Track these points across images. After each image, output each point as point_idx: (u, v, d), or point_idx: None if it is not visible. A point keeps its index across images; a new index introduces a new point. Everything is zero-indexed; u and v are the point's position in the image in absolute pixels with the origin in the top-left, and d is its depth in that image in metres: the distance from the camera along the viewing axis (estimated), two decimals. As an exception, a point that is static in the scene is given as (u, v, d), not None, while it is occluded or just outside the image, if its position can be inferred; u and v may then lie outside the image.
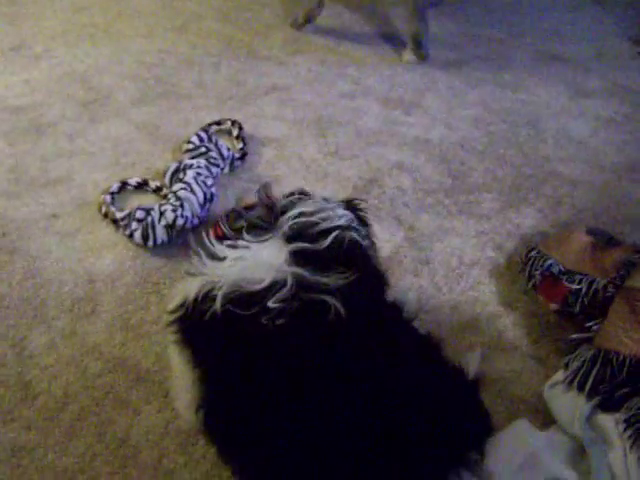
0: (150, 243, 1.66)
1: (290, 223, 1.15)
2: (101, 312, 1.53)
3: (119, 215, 1.71)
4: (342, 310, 1.05)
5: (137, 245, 1.68)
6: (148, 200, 1.82)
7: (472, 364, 1.41)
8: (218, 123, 2.08)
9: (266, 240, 1.14)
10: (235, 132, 2.05)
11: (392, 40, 2.70)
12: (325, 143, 2.08)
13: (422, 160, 2.05)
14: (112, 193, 1.82)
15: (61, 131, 2.07)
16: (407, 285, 1.64)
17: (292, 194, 1.27)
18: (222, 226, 1.20)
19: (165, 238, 1.66)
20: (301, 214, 1.17)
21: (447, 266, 1.71)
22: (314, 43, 2.62)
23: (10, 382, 1.38)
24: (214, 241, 1.15)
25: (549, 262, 1.55)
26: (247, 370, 1.05)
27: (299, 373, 1.02)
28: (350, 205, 1.30)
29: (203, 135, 1.94)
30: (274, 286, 1.06)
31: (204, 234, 1.18)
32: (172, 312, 1.14)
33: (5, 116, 2.11)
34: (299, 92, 2.32)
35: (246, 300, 1.06)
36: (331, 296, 1.06)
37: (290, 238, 1.13)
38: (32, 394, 1.36)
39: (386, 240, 1.74)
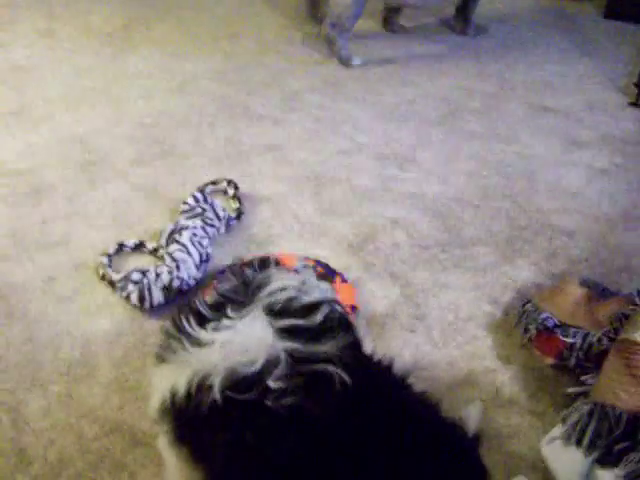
0: (147, 305, 1.67)
1: (271, 299, 1.12)
2: (98, 375, 1.53)
3: (116, 277, 1.73)
4: (347, 379, 1.03)
5: (134, 307, 1.68)
6: (145, 261, 1.84)
7: (472, 417, 1.41)
8: (214, 183, 2.11)
9: (249, 317, 1.09)
10: (231, 192, 2.08)
11: (386, 98, 2.74)
12: (320, 201, 2.10)
13: (417, 215, 2.07)
14: (109, 255, 1.83)
15: (60, 193, 2.10)
16: (403, 342, 1.64)
17: (255, 264, 1.25)
18: (199, 305, 1.16)
19: (162, 300, 1.67)
20: (281, 289, 1.14)
21: (443, 321, 1.71)
22: (309, 101, 2.67)
23: (5, 448, 1.38)
24: (195, 325, 1.10)
25: (544, 315, 1.56)
26: (258, 462, 1.01)
27: (312, 456, 1.00)
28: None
29: (199, 196, 1.96)
30: (270, 364, 1.02)
31: (182, 318, 1.14)
32: (159, 409, 1.08)
33: (5, 180, 2.14)
34: (294, 150, 2.36)
35: (245, 384, 1.01)
36: (332, 364, 1.03)
37: (274, 313, 1.09)
38: (27, 460, 1.35)
39: (382, 297, 1.75)
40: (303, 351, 1.05)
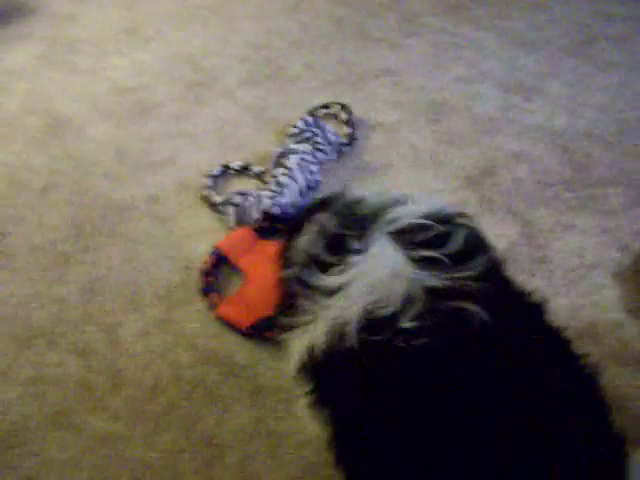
0: (245, 229, 1.60)
1: (397, 227, 1.02)
2: (196, 301, 1.48)
3: (218, 199, 1.66)
4: (487, 318, 0.92)
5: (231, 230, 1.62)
6: (249, 185, 1.76)
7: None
8: (326, 106, 2.00)
9: (377, 250, 1.00)
10: (344, 116, 1.96)
11: (515, 23, 2.53)
12: (438, 130, 1.96)
13: (542, 150, 1.89)
14: (214, 176, 1.77)
15: (167, 113, 2.04)
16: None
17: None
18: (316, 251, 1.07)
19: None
20: (406, 216, 1.04)
21: (566, 266, 1.56)
22: (429, 25, 2.49)
23: (101, 369, 1.35)
24: (319, 274, 1.02)
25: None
26: (390, 408, 0.93)
27: (445, 398, 0.90)
28: None
29: (309, 119, 1.86)
30: (406, 302, 0.94)
31: (303, 271, 1.05)
32: (298, 371, 1.03)
33: (113, 98, 2.10)
34: (412, 76, 2.20)
35: (379, 325, 0.94)
36: (471, 302, 0.93)
37: (406, 243, 1.00)
38: (121, 383, 1.32)
39: (500, 235, 1.61)
40: (441, 286, 0.95)
